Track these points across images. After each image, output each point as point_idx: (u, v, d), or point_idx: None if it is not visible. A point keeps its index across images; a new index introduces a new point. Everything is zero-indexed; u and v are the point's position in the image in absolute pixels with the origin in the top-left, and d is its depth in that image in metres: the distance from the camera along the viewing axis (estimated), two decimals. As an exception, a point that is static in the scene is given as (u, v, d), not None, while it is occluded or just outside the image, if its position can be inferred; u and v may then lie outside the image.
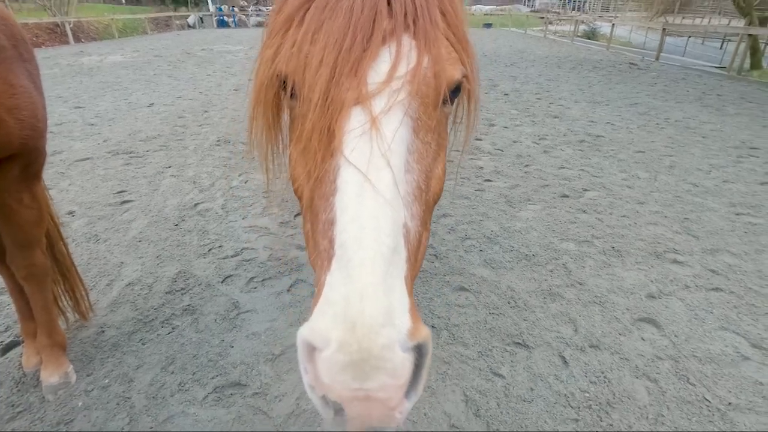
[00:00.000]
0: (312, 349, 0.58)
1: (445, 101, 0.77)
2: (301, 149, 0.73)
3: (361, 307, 0.53)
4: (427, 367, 0.61)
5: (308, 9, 0.74)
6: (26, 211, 1.72)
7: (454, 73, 0.77)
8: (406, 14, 0.72)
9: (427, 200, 0.76)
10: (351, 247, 0.57)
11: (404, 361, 0.55)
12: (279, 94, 0.84)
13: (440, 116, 0.80)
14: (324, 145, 0.68)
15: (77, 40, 21.29)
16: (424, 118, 0.74)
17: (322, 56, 0.69)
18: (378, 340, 0.53)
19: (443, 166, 0.84)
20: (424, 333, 0.59)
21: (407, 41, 0.72)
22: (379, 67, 0.69)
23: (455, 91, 0.80)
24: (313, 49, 0.70)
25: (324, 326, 0.55)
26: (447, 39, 0.77)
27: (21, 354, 2.24)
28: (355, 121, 0.66)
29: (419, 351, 0.58)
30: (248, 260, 3.14)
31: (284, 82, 0.77)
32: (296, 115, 0.78)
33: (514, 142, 5.98)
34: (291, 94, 0.77)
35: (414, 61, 0.71)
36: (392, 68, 0.69)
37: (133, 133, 6.13)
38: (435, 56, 0.73)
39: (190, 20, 34.25)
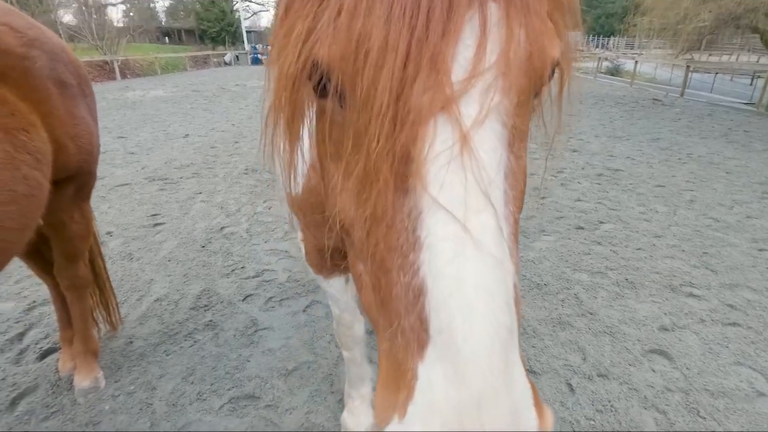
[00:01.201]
0: None
1: (538, 92, 0.58)
2: (357, 177, 0.53)
3: (480, 418, 0.41)
4: None
5: None
6: (76, 226, 1.95)
7: (554, 52, 0.55)
8: None
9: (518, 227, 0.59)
10: (458, 335, 0.42)
11: None
12: (308, 88, 0.59)
13: (530, 114, 0.61)
14: (397, 177, 0.49)
15: (123, 76, 22.99)
16: (518, 122, 0.54)
17: (386, 37, 0.46)
18: None
19: (526, 171, 0.63)
20: (549, 422, 0.49)
21: (493, 7, 0.49)
22: (464, 54, 0.48)
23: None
24: (371, 25, 0.47)
25: None
26: None
27: (57, 359, 2.43)
28: (440, 141, 0.47)
29: None
30: (268, 281, 3.31)
31: (323, 74, 0.53)
32: (343, 123, 0.55)
33: (531, 174, 5.99)
34: (334, 92, 0.53)
35: (504, 40, 0.49)
36: (478, 53, 0.48)
37: (169, 162, 6.56)
38: (532, 30, 0.51)
39: (227, 58, 36.52)
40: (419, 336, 0.45)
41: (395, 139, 0.48)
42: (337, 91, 0.53)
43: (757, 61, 19.79)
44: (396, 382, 0.47)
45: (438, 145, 0.47)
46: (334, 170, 0.60)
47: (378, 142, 0.48)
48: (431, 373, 0.43)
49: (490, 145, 0.49)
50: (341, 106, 0.54)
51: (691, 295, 3.18)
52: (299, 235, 1.49)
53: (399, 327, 0.48)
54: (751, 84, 18.29)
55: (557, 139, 0.75)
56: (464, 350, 0.42)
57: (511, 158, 0.53)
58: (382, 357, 0.52)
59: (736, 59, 24.61)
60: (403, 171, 0.49)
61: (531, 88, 0.55)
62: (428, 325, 0.44)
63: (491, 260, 0.45)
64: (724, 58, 25.66)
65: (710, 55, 25.86)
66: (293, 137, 0.65)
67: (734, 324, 2.85)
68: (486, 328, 0.42)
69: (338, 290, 1.60)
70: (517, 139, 0.55)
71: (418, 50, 0.46)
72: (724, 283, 3.35)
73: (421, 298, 0.45)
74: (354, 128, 0.52)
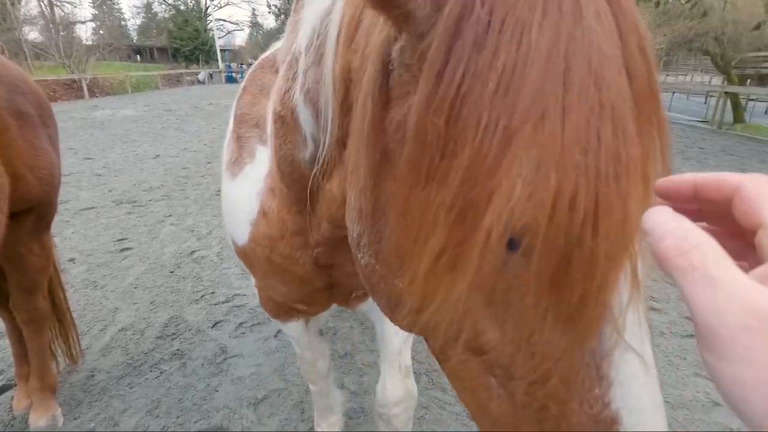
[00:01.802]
0: None
1: None
2: (544, 321, 0.52)
3: None
4: None
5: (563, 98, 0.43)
6: (35, 258, 1.89)
7: None
8: (640, 96, 0.48)
9: None
10: None
11: None
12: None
13: None
14: (591, 320, 0.50)
15: (92, 95, 22.46)
16: None
17: (582, 194, 0.44)
18: None
19: None
20: None
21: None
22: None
23: None
24: (567, 183, 0.43)
25: None
26: None
27: (12, 397, 2.31)
28: (626, 286, 0.50)
29: None
30: (239, 306, 3.26)
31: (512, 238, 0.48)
32: (510, 267, 0.52)
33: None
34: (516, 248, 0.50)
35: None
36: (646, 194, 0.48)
37: (138, 184, 6.42)
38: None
39: (200, 76, 36.25)
40: None
41: (601, 292, 0.48)
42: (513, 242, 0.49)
43: (709, 82, 21.13)
44: None
45: (625, 290, 0.50)
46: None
47: (594, 300, 0.48)
48: None
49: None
50: (509, 249, 0.51)
51: (651, 308, 3.31)
52: (253, 281, 1.48)
53: None
54: (705, 102, 19.44)
55: None
56: None
57: None
58: None
59: (691, 79, 26.21)
60: (596, 315, 0.49)
61: None
62: None
63: (657, 380, 0.52)
64: (681, 78, 27.26)
65: (667, 75, 27.42)
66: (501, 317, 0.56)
67: (691, 335, 2.98)
68: None
69: (298, 332, 1.59)
70: None
71: (607, 204, 0.44)
72: (681, 296, 3.50)
73: (615, 427, 0.50)
74: (536, 279, 0.49)
